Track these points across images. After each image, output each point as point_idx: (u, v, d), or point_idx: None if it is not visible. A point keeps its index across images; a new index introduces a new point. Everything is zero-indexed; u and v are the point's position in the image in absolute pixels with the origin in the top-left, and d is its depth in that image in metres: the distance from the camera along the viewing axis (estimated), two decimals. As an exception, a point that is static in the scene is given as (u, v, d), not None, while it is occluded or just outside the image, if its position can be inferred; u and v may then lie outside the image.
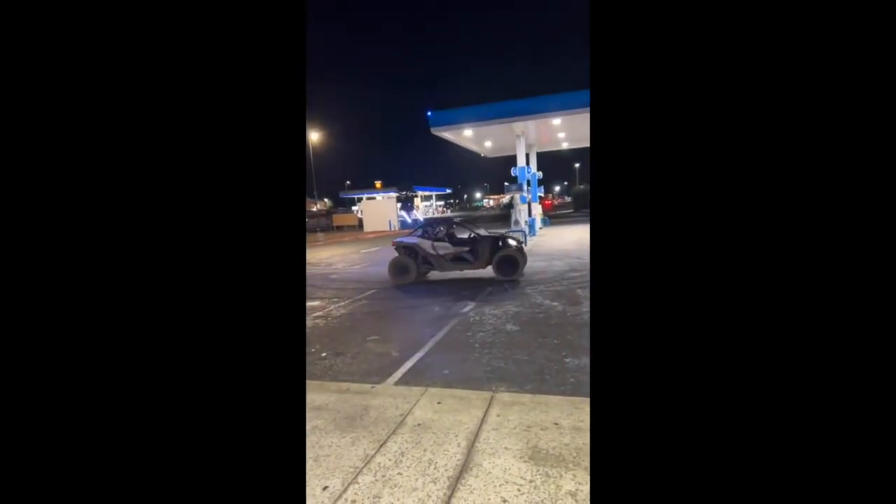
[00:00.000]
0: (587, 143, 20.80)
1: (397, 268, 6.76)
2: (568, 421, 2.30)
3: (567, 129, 14.42)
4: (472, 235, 6.79)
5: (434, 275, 7.40)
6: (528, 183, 13.32)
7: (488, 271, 6.89)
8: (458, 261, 6.65)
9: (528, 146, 15.05)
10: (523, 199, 12.37)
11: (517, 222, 12.23)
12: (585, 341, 3.73)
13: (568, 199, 42.28)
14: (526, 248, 10.09)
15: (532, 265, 8.04)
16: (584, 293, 5.50)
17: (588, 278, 6.39)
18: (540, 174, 16.24)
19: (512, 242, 6.69)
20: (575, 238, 12.42)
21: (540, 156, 18.75)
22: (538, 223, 15.38)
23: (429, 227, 7.09)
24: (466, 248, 6.70)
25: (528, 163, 13.91)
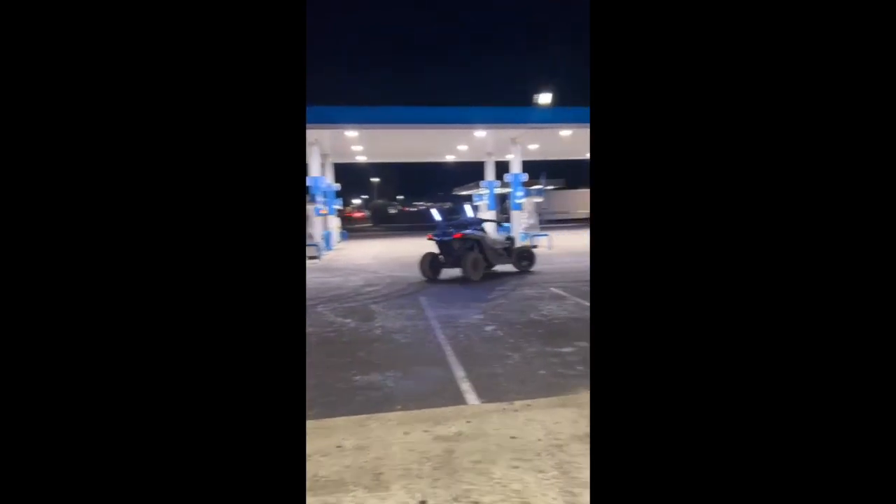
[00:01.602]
0: (386, 158, 21.99)
1: (475, 262, 7.07)
2: (351, 441, 2.33)
3: (364, 143, 14.91)
4: (509, 236, 8.10)
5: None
6: (325, 195, 13.12)
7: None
8: (500, 256, 7.51)
9: (324, 156, 14.86)
10: (317, 212, 12.09)
11: (311, 236, 11.83)
12: (375, 357, 3.87)
13: (367, 212, 43.64)
14: (320, 264, 9.91)
15: (327, 281, 7.90)
16: (378, 308, 5.73)
17: (383, 292, 6.70)
18: (338, 186, 16.23)
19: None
20: (373, 252, 12.87)
21: (338, 167, 18.75)
22: (335, 237, 15.27)
23: (475, 225, 7.63)
24: (505, 246, 7.67)
25: (323, 173, 13.70)
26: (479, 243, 7.23)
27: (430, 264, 7.32)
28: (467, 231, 7.26)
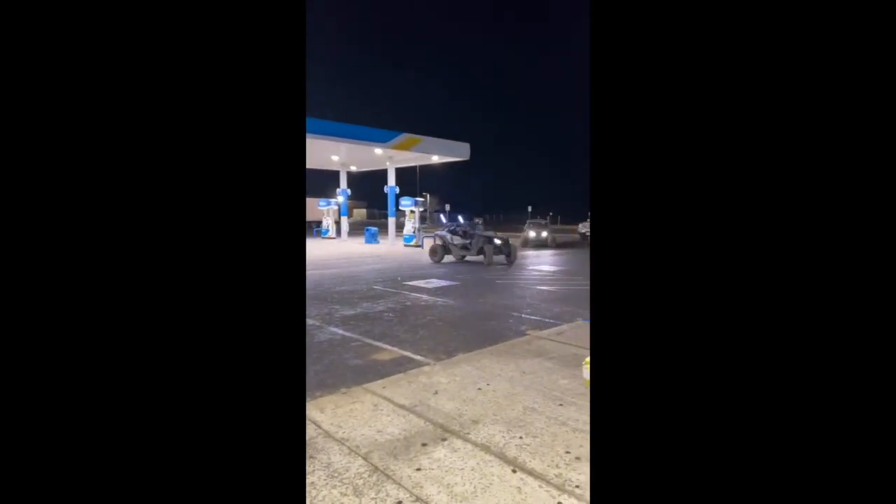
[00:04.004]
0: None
1: (434, 251, 12.67)
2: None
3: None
4: (470, 233, 12.48)
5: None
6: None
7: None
8: (464, 249, 12.27)
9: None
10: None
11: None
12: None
13: None
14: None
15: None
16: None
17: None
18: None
19: (497, 241, 12.18)
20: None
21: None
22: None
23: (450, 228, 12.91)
24: (468, 242, 12.28)
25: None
26: (443, 240, 12.62)
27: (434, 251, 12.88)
28: (438, 233, 13.01)
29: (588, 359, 1.27)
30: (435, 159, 18.64)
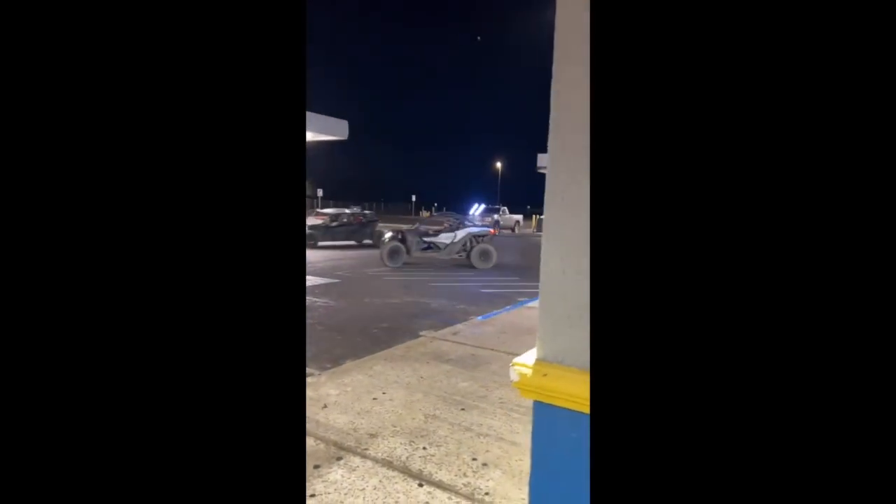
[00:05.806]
0: None
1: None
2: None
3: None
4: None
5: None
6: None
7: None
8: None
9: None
10: None
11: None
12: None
13: None
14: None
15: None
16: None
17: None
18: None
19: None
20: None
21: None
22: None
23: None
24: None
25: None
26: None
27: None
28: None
29: (516, 360, 1.39)
30: (307, 137, 17.92)
